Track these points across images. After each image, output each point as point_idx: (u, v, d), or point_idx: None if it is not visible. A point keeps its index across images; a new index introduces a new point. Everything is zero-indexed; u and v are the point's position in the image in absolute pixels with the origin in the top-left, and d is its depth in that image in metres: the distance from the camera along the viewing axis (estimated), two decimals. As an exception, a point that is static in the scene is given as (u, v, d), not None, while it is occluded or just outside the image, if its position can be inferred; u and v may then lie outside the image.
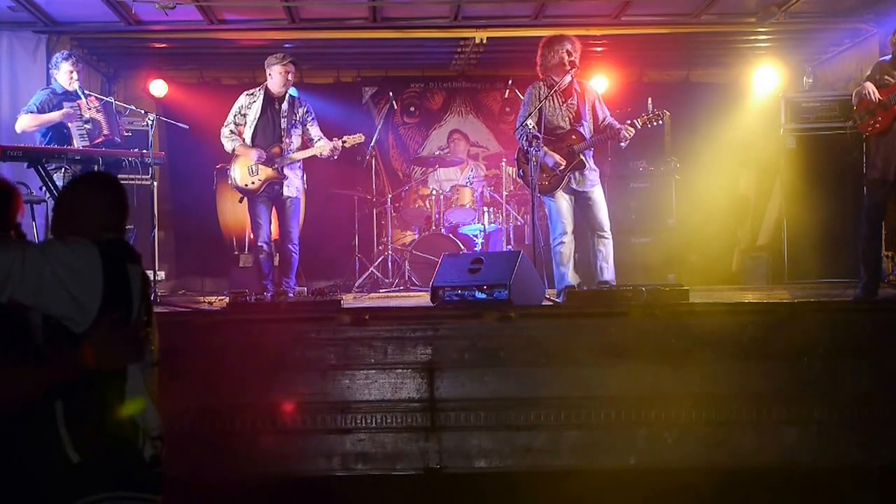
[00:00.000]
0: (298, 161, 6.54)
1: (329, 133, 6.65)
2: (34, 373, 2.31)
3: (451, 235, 8.16)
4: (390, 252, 8.24)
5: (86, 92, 6.46)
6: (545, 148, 5.81)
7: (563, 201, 5.98)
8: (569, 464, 4.32)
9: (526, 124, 5.85)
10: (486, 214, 8.27)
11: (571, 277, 5.94)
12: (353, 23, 8.13)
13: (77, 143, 6.30)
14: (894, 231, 7.17)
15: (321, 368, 4.38)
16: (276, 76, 6.47)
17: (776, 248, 8.34)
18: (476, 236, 8.34)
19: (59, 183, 5.84)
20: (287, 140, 6.48)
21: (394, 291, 7.77)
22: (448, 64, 9.55)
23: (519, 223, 8.19)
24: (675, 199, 7.90)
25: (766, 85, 9.02)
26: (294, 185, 6.51)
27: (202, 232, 9.00)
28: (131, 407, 2.48)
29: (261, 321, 4.65)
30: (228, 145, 6.51)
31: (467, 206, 8.36)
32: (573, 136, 5.96)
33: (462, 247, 7.99)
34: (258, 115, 6.49)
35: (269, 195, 6.49)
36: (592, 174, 6.01)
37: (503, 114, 9.86)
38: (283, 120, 6.50)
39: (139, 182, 6.77)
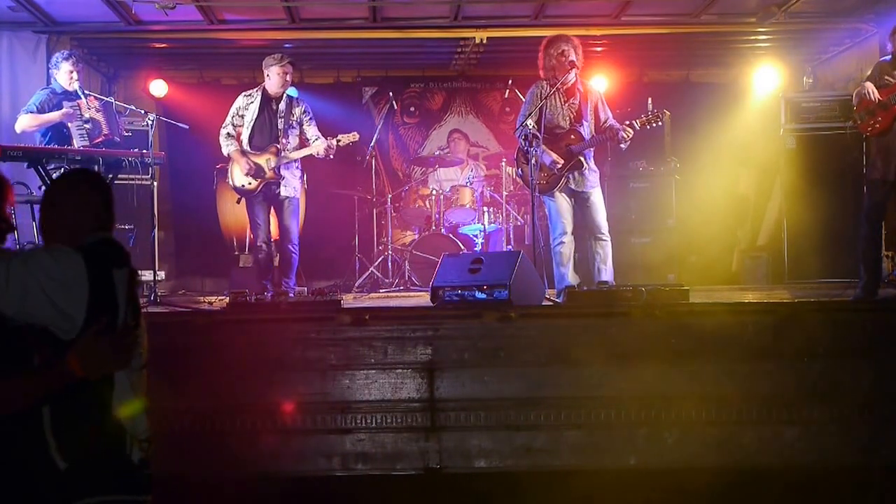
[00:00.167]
0: (296, 161, 6.54)
1: (329, 133, 6.64)
2: (22, 385, 2.29)
3: (451, 235, 8.16)
4: (390, 252, 8.24)
5: (86, 92, 6.46)
6: (543, 146, 5.82)
7: (562, 201, 5.98)
8: (569, 464, 4.32)
9: (526, 124, 5.85)
10: (486, 214, 8.27)
11: (571, 277, 5.94)
12: (353, 23, 8.13)
13: (77, 143, 6.30)
14: (894, 231, 7.17)
15: (321, 368, 4.38)
16: (273, 77, 6.46)
17: (776, 248, 8.34)
18: (476, 236, 8.34)
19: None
20: (284, 140, 6.48)
21: (394, 291, 7.77)
22: (448, 64, 9.55)
23: (519, 223, 8.19)
24: (675, 199, 7.90)
25: (766, 85, 9.02)
26: (292, 184, 6.50)
27: (202, 232, 9.01)
28: (127, 409, 2.48)
29: (261, 321, 4.65)
30: (225, 149, 6.52)
31: (467, 206, 8.36)
32: (572, 136, 5.96)
33: (462, 247, 7.99)
34: (255, 116, 6.49)
35: (266, 195, 6.49)
36: (592, 175, 6.01)
37: (503, 114, 9.86)
38: (279, 120, 6.50)
39: (139, 182, 6.79)
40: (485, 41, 8.22)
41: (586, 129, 5.96)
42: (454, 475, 4.31)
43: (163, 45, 8.54)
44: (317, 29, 8.26)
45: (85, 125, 6.37)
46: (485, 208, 8.29)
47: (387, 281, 8.09)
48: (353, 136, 6.64)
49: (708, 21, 7.99)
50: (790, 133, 8.03)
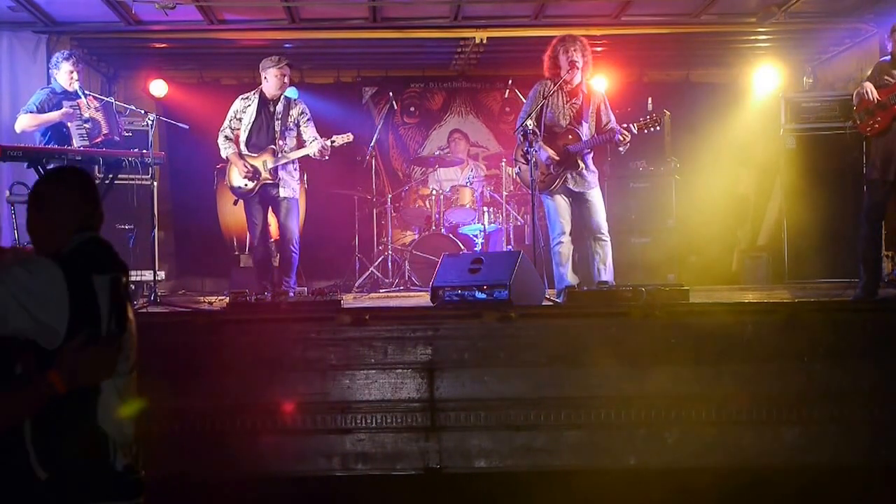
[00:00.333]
0: (294, 161, 6.54)
1: (329, 134, 6.64)
2: (5, 403, 2.24)
3: (451, 235, 8.16)
4: (390, 252, 8.24)
5: (86, 92, 6.46)
6: (540, 142, 5.82)
7: (560, 201, 5.98)
8: (569, 464, 4.32)
9: (526, 124, 5.84)
10: (486, 214, 8.27)
11: (570, 277, 5.94)
12: (353, 23, 8.13)
13: (76, 143, 6.31)
14: (894, 231, 7.17)
15: (321, 368, 4.38)
16: (271, 79, 6.46)
17: (776, 248, 8.34)
18: (476, 236, 8.34)
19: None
20: (281, 142, 6.47)
21: (394, 291, 7.77)
22: (448, 64, 9.55)
23: (519, 223, 8.19)
24: (675, 199, 7.91)
25: (766, 85, 9.02)
26: (290, 185, 6.50)
27: (202, 232, 9.00)
28: (126, 410, 2.47)
29: (261, 321, 4.65)
30: (223, 152, 6.53)
31: (467, 206, 8.36)
32: (569, 136, 5.96)
33: (462, 247, 8.00)
34: (252, 119, 6.49)
35: (263, 197, 6.49)
36: (591, 176, 6.00)
37: (503, 114, 9.87)
38: (276, 122, 6.49)
39: (139, 182, 6.79)
40: (485, 41, 8.22)
41: (585, 131, 5.95)
42: (454, 475, 4.31)
43: (163, 45, 8.54)
44: (317, 29, 8.26)
45: (84, 125, 6.37)
46: (485, 208, 8.29)
47: (387, 281, 8.09)
48: (348, 137, 6.63)
49: (708, 21, 7.99)
50: (790, 133, 8.03)
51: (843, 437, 4.34)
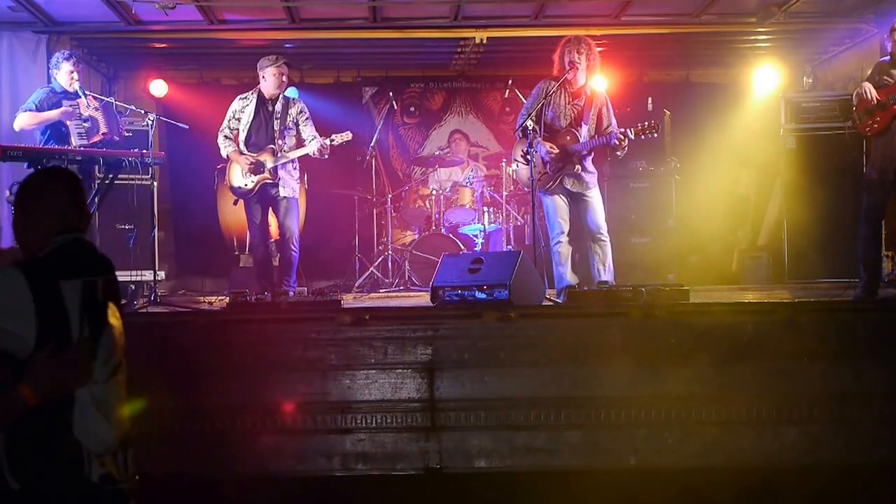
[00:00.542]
0: (293, 161, 6.53)
1: (329, 134, 6.64)
2: None
3: (451, 235, 8.16)
4: (390, 252, 8.24)
5: (86, 92, 6.46)
6: (539, 140, 5.82)
7: (559, 201, 5.99)
8: (569, 464, 4.32)
9: (526, 123, 5.84)
10: (486, 214, 8.27)
11: (570, 277, 5.95)
12: (353, 23, 8.13)
13: (75, 142, 6.30)
14: (894, 231, 7.17)
15: (321, 368, 4.38)
16: (269, 78, 6.45)
17: (776, 248, 8.34)
18: (476, 236, 8.34)
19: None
20: (280, 142, 6.47)
21: (394, 291, 7.78)
22: (448, 64, 9.55)
23: (519, 223, 8.20)
24: (675, 199, 7.91)
25: (766, 85, 9.03)
26: (289, 185, 6.49)
27: (202, 232, 8.99)
28: (126, 411, 2.45)
29: (261, 321, 4.65)
30: (223, 151, 6.52)
31: (467, 206, 8.37)
32: (568, 137, 5.96)
33: (462, 247, 8.00)
34: (251, 119, 6.48)
35: (263, 196, 6.48)
36: (590, 177, 6.00)
37: (503, 114, 9.87)
38: (275, 122, 6.49)
39: (139, 182, 6.79)
40: (485, 41, 8.22)
41: (584, 132, 5.95)
42: (454, 475, 4.31)
43: (163, 45, 8.54)
44: (317, 29, 8.26)
45: (84, 124, 6.37)
46: (485, 208, 8.29)
47: (387, 281, 8.09)
48: (347, 136, 6.62)
49: (708, 21, 7.99)
50: (790, 133, 8.03)
51: (843, 437, 4.34)
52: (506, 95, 8.56)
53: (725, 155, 9.12)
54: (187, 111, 8.37)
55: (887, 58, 5.69)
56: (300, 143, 6.57)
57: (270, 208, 6.55)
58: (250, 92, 6.58)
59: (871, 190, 5.62)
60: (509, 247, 7.96)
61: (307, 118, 6.59)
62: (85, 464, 2.35)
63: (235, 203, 6.65)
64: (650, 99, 8.35)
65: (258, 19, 8.12)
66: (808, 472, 4.25)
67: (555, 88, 5.93)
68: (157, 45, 8.52)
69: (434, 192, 8.47)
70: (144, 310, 5.72)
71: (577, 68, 5.89)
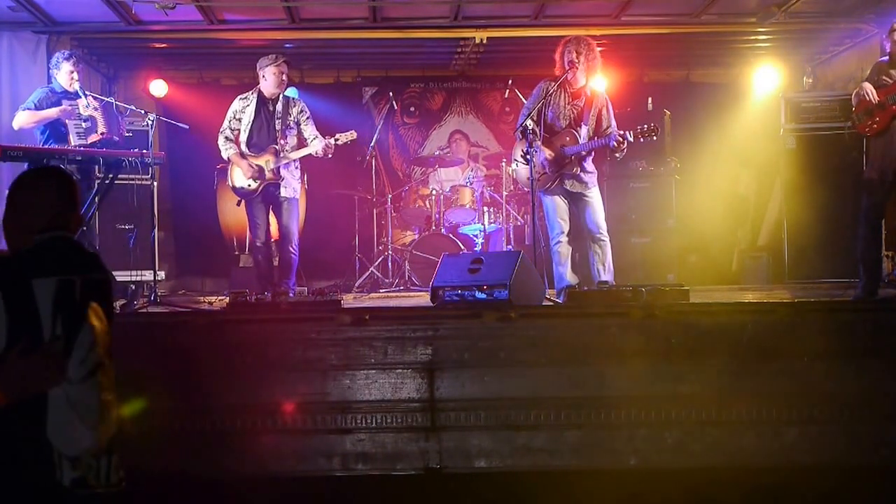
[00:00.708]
0: (295, 161, 6.53)
1: (329, 134, 6.64)
2: None
3: (451, 235, 8.16)
4: (390, 252, 8.24)
5: (86, 92, 6.46)
6: (539, 142, 5.82)
7: (559, 202, 5.99)
8: (569, 464, 4.32)
9: (526, 125, 5.84)
10: (486, 214, 8.27)
11: (570, 277, 5.95)
12: (353, 23, 8.13)
13: (74, 141, 6.30)
14: (894, 231, 7.17)
15: (321, 368, 4.38)
16: (270, 77, 6.44)
17: (776, 248, 8.34)
18: (476, 236, 8.34)
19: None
20: (282, 142, 6.47)
21: (394, 291, 7.78)
22: (448, 64, 9.56)
23: (519, 223, 8.20)
24: (675, 199, 7.91)
25: (766, 85, 9.03)
26: (291, 185, 6.49)
27: (202, 232, 9.01)
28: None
29: (261, 321, 4.65)
30: (224, 153, 6.50)
31: (467, 206, 8.37)
32: (567, 138, 5.96)
33: (462, 247, 8.00)
34: (252, 119, 6.47)
35: (265, 197, 6.47)
36: (589, 177, 6.00)
37: (503, 114, 9.87)
38: (277, 122, 6.48)
39: (139, 182, 6.79)
40: (485, 41, 8.22)
41: (583, 133, 5.95)
42: (454, 475, 4.31)
43: (163, 45, 8.54)
44: (317, 29, 8.26)
45: (83, 123, 6.37)
46: (485, 208, 8.29)
47: (387, 281, 8.09)
48: (352, 135, 6.62)
49: (708, 21, 7.99)
50: (790, 133, 8.03)
51: (844, 437, 4.33)
52: (506, 95, 8.57)
53: (725, 155, 9.13)
54: (187, 111, 8.37)
55: (886, 58, 5.69)
56: (301, 142, 6.56)
57: (271, 208, 6.55)
58: (250, 92, 6.56)
59: (871, 190, 5.62)
60: (509, 247, 7.96)
61: (308, 117, 6.59)
62: (56, 467, 2.31)
63: (239, 203, 6.63)
64: (650, 99, 8.35)
65: (258, 19, 8.12)
66: (809, 473, 4.25)
67: (554, 89, 5.93)
68: (157, 45, 8.52)
69: (434, 192, 8.47)
70: (144, 310, 5.72)
71: (577, 68, 5.88)
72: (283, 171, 6.43)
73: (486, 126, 10.00)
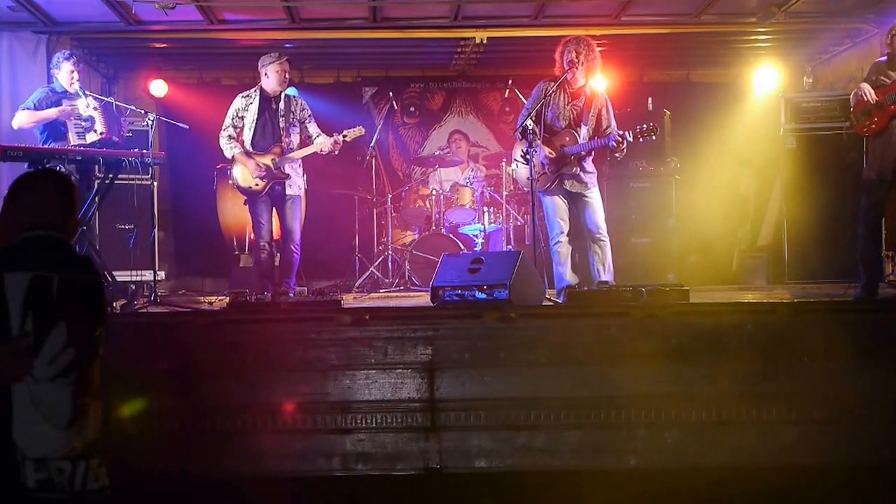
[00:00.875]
0: (298, 159, 6.52)
1: (328, 134, 6.63)
2: None
3: (451, 235, 8.16)
4: (390, 252, 8.24)
5: (86, 92, 6.46)
6: (539, 142, 5.82)
7: (558, 202, 5.99)
8: (569, 464, 4.32)
9: (526, 125, 5.84)
10: (486, 214, 8.27)
11: (570, 277, 5.95)
12: (353, 23, 8.13)
13: (73, 140, 6.30)
14: (894, 231, 7.17)
15: (321, 368, 4.38)
16: (272, 75, 6.43)
17: (776, 248, 8.34)
18: (476, 236, 8.34)
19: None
20: (287, 139, 6.46)
21: (394, 291, 7.78)
22: (448, 64, 9.55)
23: (519, 223, 8.19)
24: (675, 199, 7.91)
25: (766, 85, 9.03)
26: (296, 183, 6.49)
27: (202, 232, 9.00)
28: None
29: (261, 321, 4.65)
30: (228, 152, 6.45)
31: (467, 206, 8.37)
32: (566, 138, 5.96)
33: (462, 247, 8.00)
34: (256, 117, 6.44)
35: (271, 195, 6.46)
36: (589, 177, 6.00)
37: (503, 114, 9.87)
38: (281, 119, 6.47)
39: (139, 182, 6.79)
40: (485, 41, 8.22)
41: (583, 133, 5.95)
42: (454, 475, 4.31)
43: (163, 45, 8.54)
44: (317, 29, 8.26)
45: (83, 123, 6.37)
46: (485, 208, 8.29)
47: (387, 281, 8.09)
48: (360, 131, 6.62)
49: (708, 21, 7.99)
50: (790, 133, 8.02)
51: (843, 437, 4.34)
52: (506, 95, 8.56)
53: (725, 155, 9.12)
54: (187, 111, 8.37)
55: (884, 58, 5.68)
56: (304, 140, 6.56)
57: (275, 207, 6.53)
58: (252, 90, 6.53)
59: (870, 190, 5.61)
60: (509, 247, 7.95)
61: (310, 115, 6.60)
62: (19, 468, 2.28)
63: (246, 203, 6.61)
64: (650, 99, 8.35)
65: (258, 19, 8.12)
66: (809, 473, 4.25)
67: (554, 89, 5.93)
68: (157, 45, 8.52)
69: (434, 192, 8.47)
70: (144, 310, 5.72)
71: (577, 68, 5.88)
72: (288, 169, 6.42)
73: (486, 126, 9.99)
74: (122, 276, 6.52)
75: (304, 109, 6.59)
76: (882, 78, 5.54)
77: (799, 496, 4.18)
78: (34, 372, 2.32)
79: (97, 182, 6.36)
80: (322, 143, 6.45)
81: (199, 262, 9.36)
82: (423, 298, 6.39)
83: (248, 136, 6.45)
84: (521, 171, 6.11)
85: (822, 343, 4.38)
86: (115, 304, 5.51)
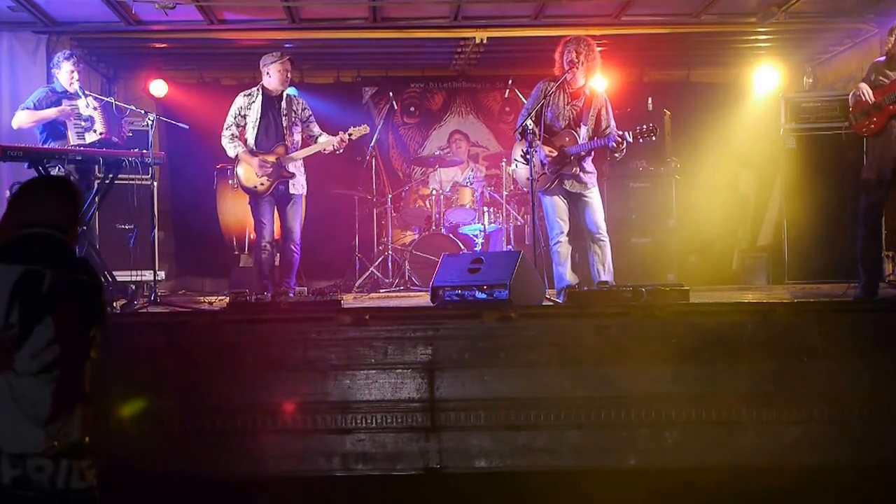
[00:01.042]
0: (300, 159, 6.51)
1: (329, 133, 6.63)
2: None
3: (451, 235, 8.16)
4: (390, 252, 8.24)
5: (86, 92, 6.46)
6: (539, 142, 5.83)
7: (558, 202, 5.99)
8: (569, 464, 4.32)
9: (526, 125, 5.84)
10: (486, 214, 8.27)
11: (570, 276, 5.95)
12: (353, 23, 8.13)
13: (73, 140, 6.29)
14: (894, 231, 7.16)
15: (321, 368, 4.38)
16: (274, 74, 6.42)
17: (776, 248, 8.34)
18: (476, 236, 8.34)
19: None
20: (290, 139, 6.46)
21: (394, 291, 7.77)
22: (448, 64, 9.55)
23: (519, 223, 8.19)
24: (675, 199, 7.91)
25: (766, 85, 9.03)
26: (299, 182, 6.48)
27: (202, 232, 9.00)
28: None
29: (261, 321, 4.65)
30: (231, 151, 6.42)
31: (467, 206, 8.37)
32: (566, 139, 5.96)
33: (462, 247, 7.99)
34: (259, 117, 6.42)
35: (275, 194, 6.44)
36: (588, 177, 6.00)
37: (503, 114, 9.87)
38: (283, 119, 6.47)
39: (139, 182, 6.78)
40: (485, 41, 8.22)
41: (583, 133, 5.95)
42: (454, 475, 4.31)
43: (163, 45, 8.54)
44: (317, 29, 8.26)
45: (82, 123, 6.36)
46: (485, 208, 8.29)
47: (387, 281, 8.09)
48: (364, 129, 6.62)
49: (708, 21, 7.98)
50: (790, 133, 8.02)
51: (842, 437, 4.34)
52: (506, 95, 8.57)
53: (725, 155, 9.12)
54: (187, 111, 8.36)
55: (883, 58, 5.68)
56: (306, 140, 6.55)
57: (277, 206, 6.52)
58: (254, 89, 6.50)
59: (869, 190, 5.60)
60: (509, 247, 7.95)
61: (311, 115, 6.60)
62: None
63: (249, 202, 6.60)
64: (650, 99, 8.35)
65: (258, 19, 8.12)
66: (809, 473, 4.25)
67: (553, 89, 5.93)
68: (157, 45, 8.52)
69: (434, 192, 8.47)
70: (144, 310, 5.71)
71: (577, 68, 5.88)
72: (292, 168, 6.41)
73: (487, 126, 9.99)
74: (122, 276, 6.51)
75: (305, 109, 6.59)
76: (881, 78, 5.54)
77: (799, 496, 4.18)
78: (16, 365, 2.31)
79: (97, 182, 6.36)
80: (327, 141, 6.44)
81: (199, 262, 9.36)
82: (423, 298, 6.39)
83: (251, 135, 6.44)
84: (521, 171, 6.11)
85: (822, 343, 4.38)
86: (115, 304, 5.51)
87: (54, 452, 2.34)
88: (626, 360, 4.36)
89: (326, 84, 9.86)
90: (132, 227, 7.04)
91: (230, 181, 6.60)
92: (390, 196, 8.48)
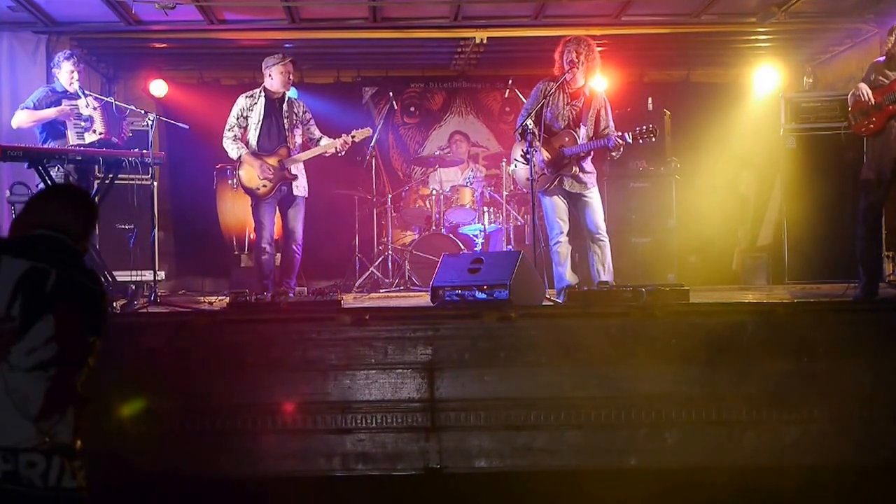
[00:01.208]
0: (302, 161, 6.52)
1: (329, 133, 6.63)
2: None
3: (451, 235, 8.16)
4: (390, 252, 8.24)
5: (86, 92, 6.45)
6: (538, 143, 5.83)
7: (558, 202, 5.99)
8: (569, 464, 4.32)
9: (525, 125, 5.84)
10: (486, 214, 8.27)
11: (569, 276, 5.95)
12: (353, 23, 8.13)
13: (73, 140, 6.29)
14: (894, 231, 7.16)
15: (321, 368, 4.38)
16: (276, 76, 6.42)
17: (776, 248, 8.34)
18: (476, 236, 8.34)
19: (58, 181, 5.88)
20: (292, 140, 6.45)
21: (394, 291, 7.77)
22: (448, 64, 9.56)
23: (519, 223, 8.20)
24: (675, 199, 7.91)
25: (766, 85, 9.03)
26: (301, 184, 6.47)
27: (202, 232, 9.00)
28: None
29: (261, 321, 4.65)
30: (234, 153, 6.40)
31: (467, 206, 8.36)
32: (566, 139, 5.96)
33: (462, 247, 7.99)
34: (262, 118, 6.40)
35: (277, 196, 6.44)
36: (588, 177, 6.00)
37: (503, 114, 9.87)
38: (285, 121, 6.46)
39: (139, 182, 6.78)
40: (485, 41, 8.22)
41: (582, 134, 5.95)
42: (454, 475, 4.31)
43: (163, 45, 8.54)
44: (317, 29, 8.26)
45: (82, 123, 6.36)
46: (485, 208, 8.29)
47: (387, 281, 8.09)
48: (367, 131, 6.62)
49: (708, 21, 7.99)
50: (790, 133, 8.02)
51: (842, 437, 4.34)
52: (506, 95, 8.57)
53: (725, 155, 9.12)
54: (187, 111, 8.36)
55: (882, 58, 5.67)
56: (306, 143, 6.55)
57: (279, 207, 6.51)
58: (256, 90, 6.49)
59: (868, 190, 5.60)
60: (509, 247, 7.96)
61: (311, 117, 6.60)
62: None
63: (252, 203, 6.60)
64: (650, 99, 8.34)
65: (258, 19, 8.12)
66: (809, 473, 4.25)
67: (553, 89, 5.93)
68: (157, 45, 8.52)
69: (434, 192, 8.47)
70: (144, 310, 5.71)
71: (577, 68, 5.88)
72: (294, 170, 6.41)
73: (487, 126, 9.99)
74: (122, 276, 6.52)
75: (305, 112, 6.59)
76: (880, 78, 5.54)
77: (799, 496, 4.18)
78: (11, 359, 2.32)
79: (97, 182, 6.36)
80: (329, 143, 6.44)
81: (199, 262, 9.35)
82: (423, 298, 6.39)
83: (252, 136, 6.43)
84: (521, 171, 6.11)
85: (822, 343, 4.38)
86: (115, 304, 5.51)
87: (46, 448, 2.35)
88: (627, 360, 4.36)
89: (326, 84, 9.86)
90: (132, 227, 7.05)
91: (230, 181, 6.60)
92: (390, 196, 8.48)
